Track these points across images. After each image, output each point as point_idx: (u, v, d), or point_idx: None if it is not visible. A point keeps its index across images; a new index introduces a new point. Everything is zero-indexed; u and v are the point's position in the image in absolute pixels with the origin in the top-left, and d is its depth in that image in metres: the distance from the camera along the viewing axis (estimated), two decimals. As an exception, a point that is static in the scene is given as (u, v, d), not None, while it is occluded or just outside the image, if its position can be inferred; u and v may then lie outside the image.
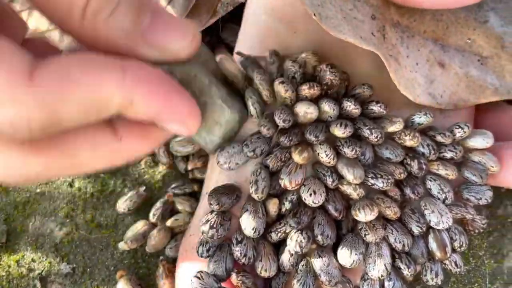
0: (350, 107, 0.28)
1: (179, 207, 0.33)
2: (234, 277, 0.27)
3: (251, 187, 0.28)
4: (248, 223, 0.27)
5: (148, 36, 0.20)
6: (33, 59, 0.18)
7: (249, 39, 0.32)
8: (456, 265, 0.29)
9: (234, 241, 0.28)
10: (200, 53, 0.23)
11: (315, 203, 0.27)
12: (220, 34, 0.39)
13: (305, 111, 0.27)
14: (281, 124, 0.27)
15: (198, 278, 0.26)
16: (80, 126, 0.19)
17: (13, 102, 0.17)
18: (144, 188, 0.35)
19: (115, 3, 0.20)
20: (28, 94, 0.17)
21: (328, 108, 0.28)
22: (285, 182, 0.27)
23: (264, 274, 0.28)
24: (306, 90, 0.28)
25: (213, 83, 0.24)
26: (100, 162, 0.21)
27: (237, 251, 0.27)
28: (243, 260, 0.27)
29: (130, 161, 0.23)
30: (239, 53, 0.31)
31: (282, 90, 0.27)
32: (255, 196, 0.28)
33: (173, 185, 0.34)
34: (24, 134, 0.18)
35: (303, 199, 0.27)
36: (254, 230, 0.27)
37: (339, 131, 0.27)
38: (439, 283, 0.29)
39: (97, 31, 0.20)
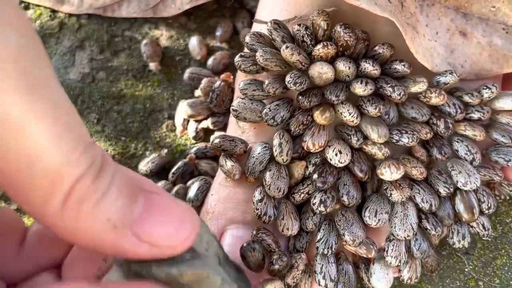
0: (368, 68, 0.27)
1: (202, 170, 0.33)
2: (254, 233, 0.27)
3: (275, 150, 0.27)
4: (273, 183, 0.27)
5: (138, 228, 0.16)
6: None
7: (269, 2, 0.31)
8: (483, 227, 0.29)
9: (254, 200, 0.27)
10: (202, 234, 0.19)
11: (341, 163, 0.27)
12: None
13: (319, 72, 0.27)
14: (292, 87, 0.27)
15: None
16: None
17: None
18: (166, 151, 0.35)
19: (105, 188, 0.16)
20: None
21: (343, 66, 0.27)
22: (308, 144, 0.27)
23: (286, 232, 0.27)
24: (320, 49, 0.27)
25: (226, 282, 0.19)
26: None
27: (257, 209, 0.27)
28: (263, 219, 0.27)
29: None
30: (256, 21, 0.31)
31: (288, 55, 0.27)
32: (280, 159, 0.27)
33: (194, 148, 0.34)
34: None
35: (328, 159, 0.27)
36: (278, 189, 0.27)
37: (359, 89, 0.27)
38: (466, 245, 0.28)
39: (78, 222, 0.16)
